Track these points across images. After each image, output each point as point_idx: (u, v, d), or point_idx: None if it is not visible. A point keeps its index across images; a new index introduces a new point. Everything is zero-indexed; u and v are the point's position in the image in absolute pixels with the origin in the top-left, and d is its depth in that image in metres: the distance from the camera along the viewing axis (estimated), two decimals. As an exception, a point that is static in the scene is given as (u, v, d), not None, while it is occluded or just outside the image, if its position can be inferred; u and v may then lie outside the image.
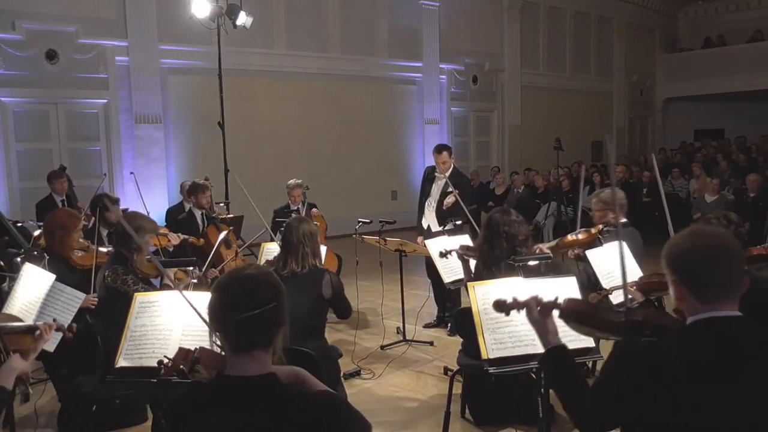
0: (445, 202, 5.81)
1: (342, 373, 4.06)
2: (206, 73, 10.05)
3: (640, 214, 8.48)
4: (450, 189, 5.75)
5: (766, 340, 1.65)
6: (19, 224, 5.86)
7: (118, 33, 10.13)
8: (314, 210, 6.95)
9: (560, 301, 2.09)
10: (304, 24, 11.96)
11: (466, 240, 4.88)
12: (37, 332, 2.62)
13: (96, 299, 3.79)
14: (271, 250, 4.95)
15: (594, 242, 4.30)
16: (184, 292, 3.18)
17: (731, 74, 16.70)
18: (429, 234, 5.80)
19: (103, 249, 4.35)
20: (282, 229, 3.93)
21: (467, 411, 4.06)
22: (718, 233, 1.78)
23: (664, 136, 19.52)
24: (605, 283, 3.87)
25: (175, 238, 5.49)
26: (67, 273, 3.99)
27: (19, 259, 4.59)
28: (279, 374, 1.64)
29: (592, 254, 4.01)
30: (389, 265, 6.15)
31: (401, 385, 4.73)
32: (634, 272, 3.72)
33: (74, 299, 3.54)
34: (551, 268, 3.86)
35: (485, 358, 2.93)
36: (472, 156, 15.10)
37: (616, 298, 3.76)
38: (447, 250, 4.41)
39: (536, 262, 3.62)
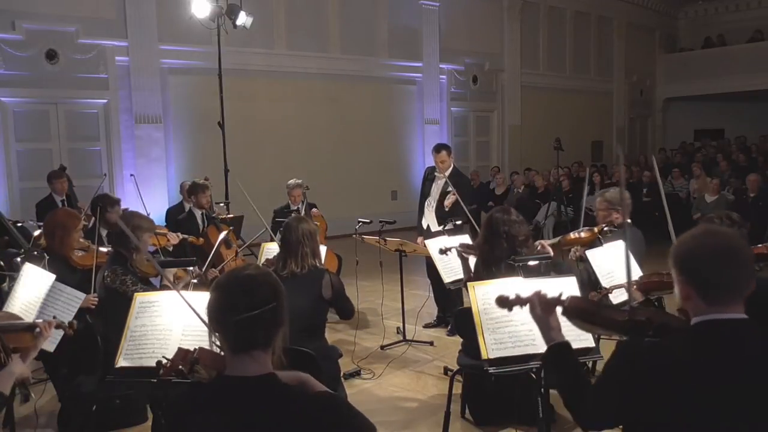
0: (445, 203, 5.81)
1: (342, 373, 4.06)
2: (206, 73, 10.05)
3: (640, 214, 8.46)
4: (450, 189, 5.75)
5: None
6: (19, 224, 5.86)
7: (118, 33, 10.13)
8: (314, 210, 6.95)
9: (563, 297, 2.08)
10: (304, 24, 11.96)
11: (466, 240, 4.87)
12: (37, 330, 2.61)
13: (96, 299, 3.80)
14: (271, 250, 4.95)
15: (594, 242, 4.29)
16: (184, 291, 3.19)
17: (731, 74, 16.70)
18: (429, 234, 5.80)
19: (103, 249, 4.35)
20: (282, 229, 3.92)
21: (467, 411, 4.06)
22: (727, 234, 1.75)
23: (664, 136, 19.52)
24: (605, 283, 3.87)
25: (175, 238, 5.49)
26: (67, 273, 3.99)
27: (19, 259, 4.59)
28: (282, 378, 1.64)
29: (592, 254, 4.00)
30: (389, 265, 6.15)
31: (401, 385, 4.73)
32: (635, 272, 3.72)
33: (74, 299, 3.54)
34: (552, 266, 3.87)
35: (485, 358, 2.93)
36: (472, 156, 15.10)
37: (616, 297, 3.75)
38: (447, 247, 4.43)
39: (536, 262, 3.62)
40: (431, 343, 5.59)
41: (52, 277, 3.52)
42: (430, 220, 6.06)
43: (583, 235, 4.40)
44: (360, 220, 5.98)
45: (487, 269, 3.63)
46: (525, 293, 2.16)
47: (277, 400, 1.58)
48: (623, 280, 3.76)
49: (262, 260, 4.79)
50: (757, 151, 14.34)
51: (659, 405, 1.60)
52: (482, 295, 3.05)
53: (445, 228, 5.51)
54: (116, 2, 10.11)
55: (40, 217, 6.24)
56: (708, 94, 17.54)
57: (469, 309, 3.10)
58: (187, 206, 7.11)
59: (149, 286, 3.76)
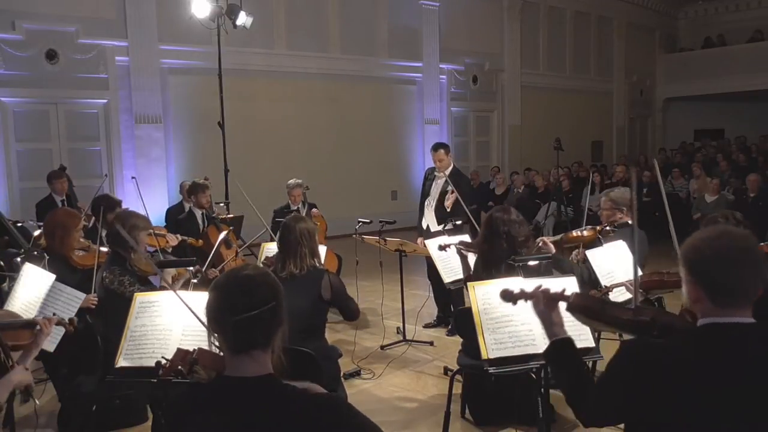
0: (446, 203, 5.81)
1: (342, 373, 4.05)
2: (206, 73, 10.04)
3: (640, 214, 8.44)
4: (450, 188, 5.75)
5: None
6: (19, 224, 5.86)
7: (118, 33, 10.13)
8: (314, 210, 6.95)
9: (567, 293, 2.07)
10: (304, 24, 11.96)
11: (466, 239, 4.87)
12: (37, 327, 2.61)
13: (96, 299, 3.79)
14: (271, 250, 4.94)
15: (594, 242, 4.29)
16: (183, 291, 3.19)
17: (731, 74, 16.70)
18: (428, 234, 5.80)
19: (104, 249, 4.34)
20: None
21: (467, 411, 4.05)
22: (741, 236, 1.69)
23: (664, 136, 19.52)
24: (605, 283, 3.87)
25: (174, 239, 5.48)
26: (68, 273, 3.99)
27: (19, 259, 4.59)
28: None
29: (592, 254, 4.00)
30: (389, 265, 6.15)
31: (401, 385, 4.73)
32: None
33: (74, 299, 3.54)
34: (554, 261, 3.87)
35: (485, 358, 2.92)
36: (472, 156, 15.10)
37: (615, 296, 3.75)
38: (446, 244, 4.43)
39: (536, 262, 3.62)
40: (431, 343, 5.58)
41: (52, 277, 3.52)
42: (429, 220, 6.06)
43: (585, 233, 4.40)
44: (360, 220, 5.98)
45: (486, 270, 3.62)
46: (529, 288, 2.15)
47: (276, 401, 1.58)
48: (623, 279, 3.78)
49: (262, 259, 4.79)
50: (757, 151, 14.34)
51: (662, 405, 1.59)
52: (482, 295, 3.05)
53: (445, 228, 5.51)
54: (116, 2, 10.10)
55: (40, 217, 6.24)
56: (708, 94, 17.54)
57: (469, 309, 3.10)
58: (186, 206, 7.11)
59: (148, 286, 3.75)
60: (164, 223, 7.66)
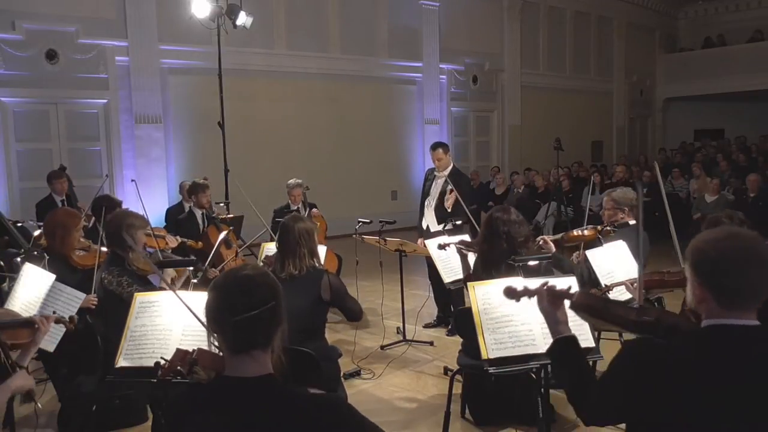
0: (446, 204, 5.81)
1: (342, 373, 4.05)
2: (206, 73, 10.04)
3: (640, 214, 8.46)
4: (449, 187, 5.75)
5: None
6: (19, 224, 5.86)
7: (118, 33, 10.13)
8: (314, 210, 6.95)
9: (572, 291, 2.07)
10: (304, 24, 11.96)
11: (466, 239, 4.86)
12: (36, 325, 2.60)
13: (96, 299, 3.79)
14: (271, 250, 4.93)
15: (594, 242, 4.29)
16: (183, 291, 3.19)
17: (731, 74, 16.70)
18: (428, 234, 5.80)
19: (104, 249, 4.34)
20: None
21: (467, 411, 4.05)
22: (749, 237, 1.65)
23: (664, 136, 19.52)
24: (605, 282, 3.87)
25: (174, 241, 5.48)
26: (68, 273, 3.99)
27: (19, 259, 4.59)
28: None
29: (592, 254, 4.00)
30: (389, 265, 6.15)
31: (401, 385, 4.73)
32: (635, 271, 3.71)
33: (74, 299, 3.54)
34: (555, 260, 3.87)
35: (485, 358, 2.92)
36: (472, 156, 15.10)
37: (616, 296, 3.75)
38: (446, 243, 4.43)
39: (536, 263, 3.62)
40: (431, 343, 5.58)
41: (52, 277, 3.52)
42: (429, 220, 6.06)
43: (586, 232, 4.41)
44: (360, 220, 5.98)
45: (486, 270, 3.61)
46: (533, 285, 2.15)
47: (276, 401, 1.58)
48: (623, 279, 3.78)
49: (262, 259, 4.78)
50: (757, 151, 14.34)
51: (664, 406, 1.59)
52: (482, 295, 3.05)
53: (445, 227, 5.52)
54: (116, 2, 10.10)
55: (40, 217, 6.24)
56: (708, 94, 17.54)
57: (469, 309, 3.10)
58: (186, 206, 7.11)
59: (147, 286, 3.75)
60: (164, 224, 7.67)
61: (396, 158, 13.56)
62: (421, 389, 4.66)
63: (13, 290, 3.63)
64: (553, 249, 4.06)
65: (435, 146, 6.05)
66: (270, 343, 1.64)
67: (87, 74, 9.94)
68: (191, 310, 2.59)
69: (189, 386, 1.93)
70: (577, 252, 4.43)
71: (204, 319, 1.69)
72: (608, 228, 4.31)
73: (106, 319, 3.69)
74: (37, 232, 4.95)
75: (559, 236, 4.53)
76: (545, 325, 2.07)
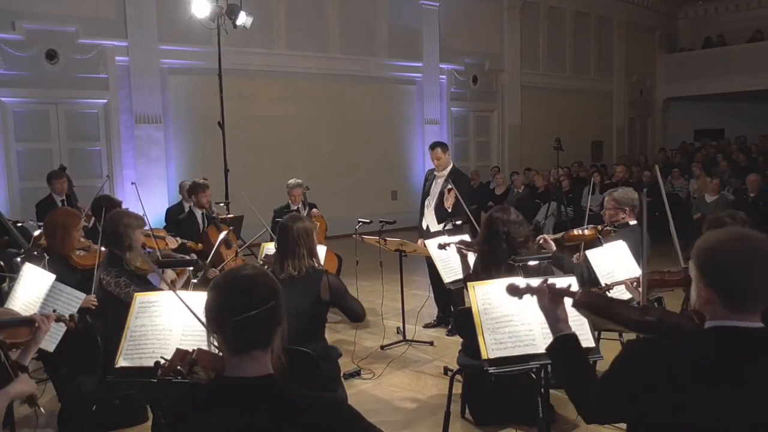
0: (446, 204, 5.80)
1: (342, 373, 4.04)
2: (206, 73, 10.04)
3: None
4: (448, 186, 5.76)
5: None
6: (19, 224, 5.86)
7: (118, 33, 10.13)
8: (314, 210, 6.95)
9: (573, 289, 2.06)
10: (304, 24, 11.96)
11: (466, 239, 4.87)
12: (36, 324, 2.60)
13: (96, 300, 3.79)
14: (271, 250, 4.93)
15: (594, 242, 4.30)
16: (183, 291, 3.19)
17: (731, 74, 16.70)
18: (428, 234, 5.80)
19: (104, 249, 4.34)
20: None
21: (467, 411, 4.05)
22: (758, 239, 1.63)
23: (664, 136, 19.52)
24: (605, 282, 3.87)
25: (174, 242, 5.48)
26: (68, 273, 3.98)
27: (19, 259, 4.59)
28: None
29: (591, 254, 4.00)
30: (389, 265, 6.15)
31: (401, 385, 4.73)
32: (634, 271, 3.72)
33: (74, 299, 3.53)
34: (555, 259, 3.87)
35: (485, 358, 2.92)
36: (472, 156, 15.10)
37: (615, 295, 3.75)
38: (446, 243, 4.44)
39: (536, 262, 3.62)
40: (431, 343, 5.58)
41: (52, 277, 3.52)
42: (429, 220, 6.06)
43: (587, 232, 4.41)
44: (360, 220, 5.98)
45: (486, 270, 3.61)
46: (535, 283, 2.15)
47: (276, 401, 1.58)
48: (623, 279, 3.78)
49: (261, 258, 4.78)
50: (757, 151, 14.34)
51: (665, 406, 1.59)
52: (482, 295, 3.05)
53: (445, 227, 5.52)
54: (116, 2, 10.10)
55: (40, 217, 6.24)
56: (708, 94, 17.54)
57: (469, 309, 3.10)
58: (186, 206, 7.11)
59: (146, 285, 3.75)
60: (164, 223, 7.66)
61: (396, 158, 13.56)
62: (421, 389, 4.66)
63: (13, 290, 3.63)
64: (554, 248, 4.06)
65: (434, 146, 6.06)
66: (270, 343, 1.64)
67: (87, 74, 9.94)
68: (191, 310, 2.59)
69: (189, 386, 1.93)
70: (578, 253, 4.43)
71: (204, 319, 1.69)
72: (608, 228, 4.32)
73: (106, 319, 3.69)
74: (37, 232, 4.95)
75: (559, 235, 4.54)
76: (545, 325, 2.07)
